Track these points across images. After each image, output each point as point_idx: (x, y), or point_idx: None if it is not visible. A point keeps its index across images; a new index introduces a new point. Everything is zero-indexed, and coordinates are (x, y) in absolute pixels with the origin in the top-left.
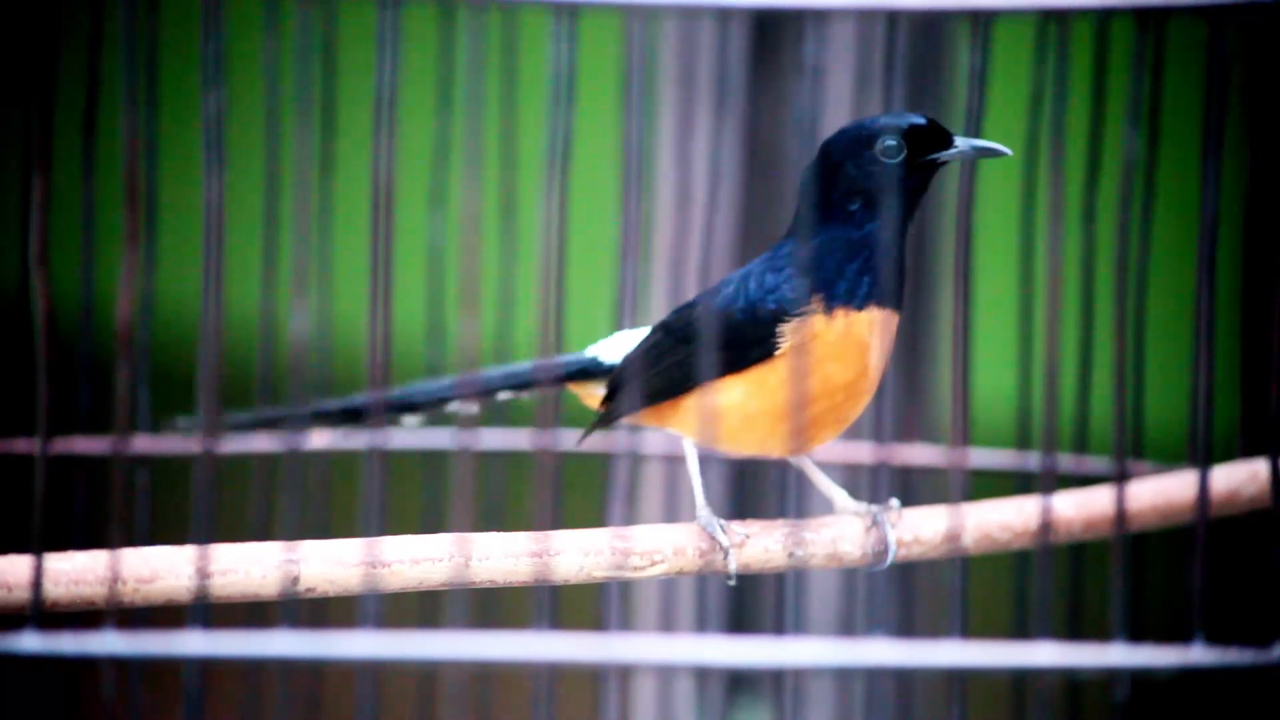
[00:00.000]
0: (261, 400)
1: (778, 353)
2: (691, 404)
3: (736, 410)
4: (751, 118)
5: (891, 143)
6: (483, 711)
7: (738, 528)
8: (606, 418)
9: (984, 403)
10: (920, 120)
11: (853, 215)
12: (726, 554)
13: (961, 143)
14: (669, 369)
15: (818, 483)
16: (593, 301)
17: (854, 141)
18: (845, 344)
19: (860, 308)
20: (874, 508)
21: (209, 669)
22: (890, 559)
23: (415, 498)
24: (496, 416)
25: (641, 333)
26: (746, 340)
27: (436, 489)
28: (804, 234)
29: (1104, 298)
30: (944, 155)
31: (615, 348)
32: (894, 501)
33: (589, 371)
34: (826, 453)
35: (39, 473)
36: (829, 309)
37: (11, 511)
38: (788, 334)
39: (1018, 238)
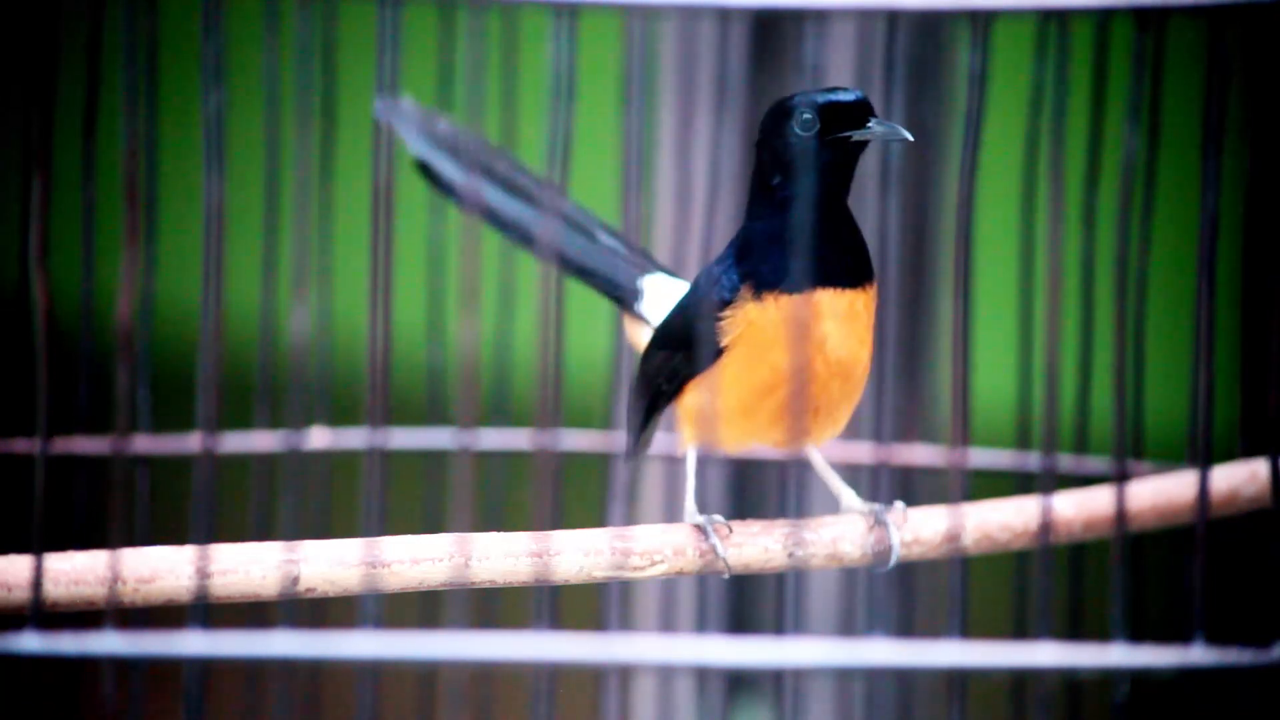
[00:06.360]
0: (262, 400)
1: (724, 346)
2: (684, 407)
3: (708, 409)
4: (751, 118)
5: (807, 116)
6: (483, 711)
7: (719, 520)
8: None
9: (984, 403)
10: (842, 97)
11: (779, 195)
12: (708, 538)
13: (874, 123)
14: (658, 380)
15: (826, 479)
16: (593, 301)
17: (774, 116)
18: (781, 329)
19: (793, 291)
20: (880, 508)
21: (209, 669)
22: (894, 560)
23: (415, 498)
24: (496, 416)
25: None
26: (701, 338)
27: (436, 489)
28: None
29: (1104, 298)
30: (855, 134)
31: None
32: (899, 504)
33: (629, 305)
34: (826, 453)
35: (39, 473)
36: (758, 295)
37: (11, 511)
38: (726, 328)
39: (1018, 238)
